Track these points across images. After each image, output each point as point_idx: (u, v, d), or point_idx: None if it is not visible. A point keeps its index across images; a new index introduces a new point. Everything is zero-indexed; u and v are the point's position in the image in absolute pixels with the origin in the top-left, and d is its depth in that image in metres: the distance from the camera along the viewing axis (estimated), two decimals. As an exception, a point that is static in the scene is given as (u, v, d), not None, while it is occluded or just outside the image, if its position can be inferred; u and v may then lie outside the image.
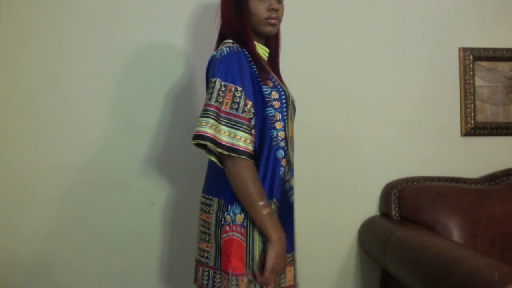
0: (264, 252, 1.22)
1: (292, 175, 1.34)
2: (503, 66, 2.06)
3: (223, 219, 1.23)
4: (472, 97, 2.03)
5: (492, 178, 1.98)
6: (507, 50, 2.05)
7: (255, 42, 1.31)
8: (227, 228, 1.22)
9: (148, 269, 1.85)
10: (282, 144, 1.28)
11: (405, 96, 2.00)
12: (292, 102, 1.35)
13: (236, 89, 1.20)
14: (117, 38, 1.84)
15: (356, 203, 1.97)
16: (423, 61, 2.02)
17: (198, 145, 1.21)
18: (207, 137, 1.17)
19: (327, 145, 1.95)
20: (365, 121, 1.97)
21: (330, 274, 1.96)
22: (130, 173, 1.83)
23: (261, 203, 1.18)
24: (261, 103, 1.26)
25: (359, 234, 1.96)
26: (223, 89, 1.19)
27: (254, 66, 1.27)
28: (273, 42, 1.42)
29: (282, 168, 1.28)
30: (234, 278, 1.20)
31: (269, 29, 1.31)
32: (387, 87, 1.99)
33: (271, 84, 1.28)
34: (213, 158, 1.23)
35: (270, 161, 1.26)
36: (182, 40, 1.87)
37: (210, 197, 1.30)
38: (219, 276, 1.24)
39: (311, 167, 1.86)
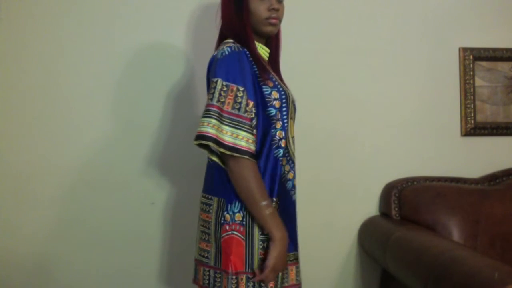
0: (264, 250, 1.22)
1: (294, 173, 1.33)
2: (503, 66, 2.06)
3: (222, 218, 1.23)
4: (472, 97, 2.03)
5: (492, 178, 1.98)
6: (507, 50, 2.05)
7: (256, 42, 1.31)
8: (227, 227, 1.23)
9: (148, 269, 1.85)
10: (282, 143, 1.28)
11: (405, 96, 2.00)
12: (293, 101, 1.35)
13: (238, 89, 1.20)
14: (117, 38, 1.84)
15: (356, 203, 1.97)
16: (423, 61, 2.02)
17: (201, 145, 1.21)
18: (210, 137, 1.17)
19: (327, 145, 1.95)
20: (365, 121, 1.97)
21: (330, 274, 1.96)
22: (130, 173, 1.84)
23: (264, 203, 1.19)
24: (261, 103, 1.26)
25: (359, 234, 1.96)
26: (224, 89, 1.19)
27: (254, 66, 1.27)
28: (273, 42, 1.42)
29: (281, 168, 1.28)
30: (233, 276, 1.20)
31: (269, 29, 1.31)
32: (387, 87, 1.99)
33: (271, 84, 1.28)
34: (215, 158, 1.23)
35: (270, 160, 1.26)
36: (182, 40, 1.87)
37: (210, 197, 1.30)
38: (219, 276, 1.24)
39: (311, 167, 1.86)
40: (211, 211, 1.28)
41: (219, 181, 1.27)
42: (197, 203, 1.38)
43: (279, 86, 1.30)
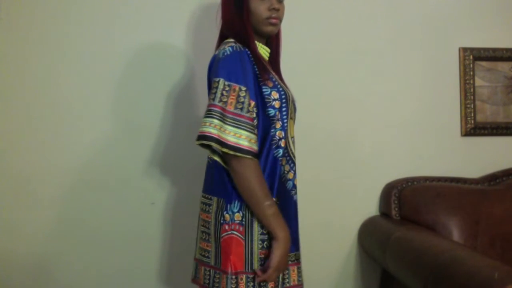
0: (263, 249, 1.22)
1: (295, 173, 1.33)
2: (503, 66, 2.06)
3: (222, 218, 1.23)
4: (472, 97, 2.03)
5: (492, 178, 1.98)
6: (507, 50, 2.05)
7: (256, 42, 1.31)
8: (226, 226, 1.23)
9: (148, 269, 1.85)
10: (282, 143, 1.28)
11: (405, 96, 2.00)
12: (293, 101, 1.35)
13: (240, 89, 1.20)
14: (117, 38, 1.84)
15: (356, 203, 1.97)
16: (423, 61, 2.02)
17: (203, 145, 1.20)
18: (212, 137, 1.16)
19: (327, 145, 1.95)
20: (365, 121, 1.97)
21: (330, 274, 1.96)
22: (130, 173, 1.84)
23: (267, 203, 1.19)
24: (261, 103, 1.26)
25: (359, 234, 1.96)
26: (227, 88, 1.19)
27: (255, 66, 1.27)
28: (273, 41, 1.42)
29: (281, 167, 1.28)
30: (233, 276, 1.20)
31: (270, 28, 1.31)
32: (387, 87, 1.99)
33: (271, 84, 1.28)
34: (217, 158, 1.23)
35: (269, 160, 1.26)
36: (182, 40, 1.87)
37: (209, 197, 1.30)
38: (218, 276, 1.24)
39: (311, 167, 1.86)
40: (210, 211, 1.28)
41: (219, 181, 1.27)
42: (197, 203, 1.38)
43: (279, 86, 1.30)
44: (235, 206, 1.23)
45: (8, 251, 1.78)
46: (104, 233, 1.82)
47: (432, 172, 1.98)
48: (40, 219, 1.80)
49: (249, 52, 1.26)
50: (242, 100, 1.19)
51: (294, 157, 1.34)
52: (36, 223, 1.80)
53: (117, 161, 1.83)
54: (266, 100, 1.26)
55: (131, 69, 1.84)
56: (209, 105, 1.20)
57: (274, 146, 1.27)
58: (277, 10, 1.29)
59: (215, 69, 1.24)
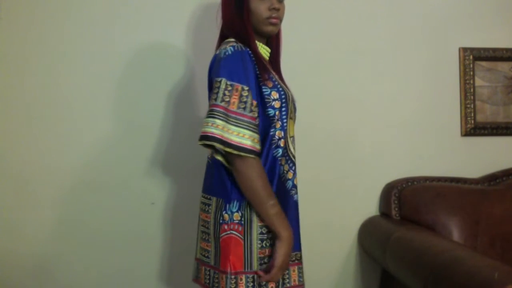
0: (262, 249, 1.22)
1: (294, 173, 1.33)
2: (503, 66, 2.06)
3: (221, 218, 1.23)
4: (472, 97, 2.03)
5: (492, 178, 1.98)
6: (507, 50, 2.05)
7: (257, 42, 1.31)
8: (225, 226, 1.23)
9: (148, 269, 1.85)
10: (281, 143, 1.28)
11: (405, 96, 2.00)
12: (293, 101, 1.35)
13: (242, 89, 1.19)
14: (117, 38, 1.84)
15: (356, 203, 1.97)
16: (423, 61, 2.02)
17: (205, 145, 1.20)
18: (214, 137, 1.16)
19: (327, 145, 1.95)
20: (365, 121, 1.97)
21: (330, 274, 1.96)
22: (130, 173, 1.84)
23: (270, 202, 1.19)
24: (261, 103, 1.26)
25: (359, 234, 1.96)
26: (229, 88, 1.19)
27: (256, 66, 1.27)
28: (274, 41, 1.42)
29: (281, 167, 1.28)
30: (232, 276, 1.20)
31: (270, 28, 1.31)
32: (387, 87, 1.99)
33: (270, 84, 1.28)
34: (220, 158, 1.22)
35: (268, 160, 1.26)
36: (182, 40, 1.87)
37: (209, 197, 1.30)
38: (217, 276, 1.24)
39: (311, 167, 1.86)
40: (210, 211, 1.28)
41: (218, 181, 1.27)
42: (197, 203, 1.38)
43: (279, 86, 1.30)
44: (234, 206, 1.23)
45: (8, 251, 1.78)
46: (104, 233, 1.82)
47: (432, 172, 1.98)
48: (40, 219, 1.80)
49: (250, 52, 1.26)
50: (245, 99, 1.19)
51: (294, 157, 1.34)
52: (36, 223, 1.80)
53: (117, 161, 1.83)
54: (266, 100, 1.26)
55: (131, 69, 1.84)
56: (211, 105, 1.20)
57: (273, 146, 1.27)
58: (277, 10, 1.29)
59: (216, 68, 1.24)
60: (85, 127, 1.82)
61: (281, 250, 1.19)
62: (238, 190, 1.23)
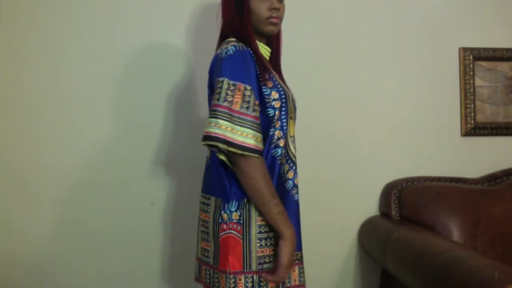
0: (261, 248, 1.22)
1: (295, 173, 1.33)
2: (503, 66, 2.06)
3: (220, 218, 1.23)
4: (472, 97, 2.03)
5: (492, 178, 1.98)
6: (507, 50, 2.05)
7: (257, 42, 1.31)
8: (224, 226, 1.23)
9: (148, 269, 1.85)
10: (280, 143, 1.28)
11: (405, 96, 2.00)
12: (293, 101, 1.35)
13: (245, 88, 1.19)
14: (117, 38, 1.84)
15: (356, 203, 1.97)
16: (423, 61, 2.02)
17: (209, 145, 1.20)
18: (217, 137, 1.16)
19: (327, 145, 1.95)
20: (365, 121, 1.97)
21: (330, 274, 1.96)
22: (130, 173, 1.84)
23: (273, 201, 1.19)
24: (261, 103, 1.26)
25: (359, 234, 1.96)
26: (231, 88, 1.19)
27: (257, 66, 1.27)
28: (274, 41, 1.42)
29: (280, 167, 1.28)
30: (231, 276, 1.20)
31: (270, 28, 1.31)
32: (387, 87, 1.99)
33: (270, 84, 1.27)
34: (222, 157, 1.22)
35: (267, 159, 1.26)
36: (182, 40, 1.87)
37: (208, 197, 1.30)
38: (217, 275, 1.24)
39: (311, 167, 1.86)
40: (209, 210, 1.28)
41: (217, 180, 1.27)
42: (197, 203, 1.38)
43: (279, 86, 1.29)
44: (233, 205, 1.23)
45: (8, 251, 1.78)
46: (104, 233, 1.82)
47: (432, 172, 1.98)
48: (40, 220, 1.80)
49: (251, 51, 1.26)
50: (248, 99, 1.19)
51: (294, 156, 1.34)
52: (36, 223, 1.80)
53: (117, 161, 1.83)
54: (266, 100, 1.26)
55: (131, 69, 1.84)
56: (214, 105, 1.19)
57: (272, 146, 1.27)
58: (278, 9, 1.29)
59: (218, 68, 1.23)
60: (85, 127, 1.82)
61: (286, 249, 1.20)
62: (236, 190, 1.24)
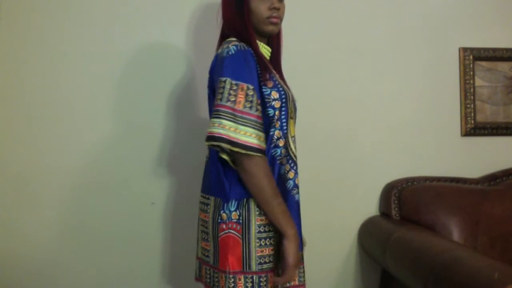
0: (261, 247, 1.22)
1: (296, 173, 1.33)
2: (503, 66, 2.06)
3: (219, 218, 1.23)
4: (472, 97, 2.03)
5: (492, 178, 1.98)
6: (507, 50, 2.05)
7: (257, 41, 1.31)
8: (224, 226, 1.23)
9: (148, 269, 1.85)
10: (280, 143, 1.28)
11: (405, 96, 2.00)
12: (293, 101, 1.35)
13: (248, 88, 1.19)
14: (117, 38, 1.83)
15: (356, 203, 1.97)
16: (423, 61, 2.02)
17: (212, 145, 1.20)
18: (221, 138, 1.16)
19: (327, 145, 1.95)
20: (365, 121, 1.97)
21: (330, 274, 1.96)
22: (130, 173, 1.83)
23: (276, 201, 1.20)
24: (262, 103, 1.26)
25: (359, 234, 1.96)
26: (234, 87, 1.19)
27: (258, 65, 1.27)
28: (274, 41, 1.42)
29: (281, 167, 1.28)
30: (231, 276, 1.20)
31: (270, 28, 1.31)
32: (387, 87, 1.99)
33: (270, 84, 1.27)
34: (225, 157, 1.22)
35: (268, 159, 1.25)
36: (182, 40, 1.87)
37: (207, 196, 1.30)
38: (217, 275, 1.24)
39: (311, 167, 1.86)
40: (208, 210, 1.28)
41: (216, 180, 1.27)
42: (196, 203, 1.38)
43: (279, 86, 1.29)
44: (232, 205, 1.23)
45: (8, 251, 1.78)
46: (104, 233, 1.82)
47: (432, 172, 1.98)
48: (40, 220, 1.80)
49: (252, 51, 1.26)
50: (251, 98, 1.19)
51: (295, 156, 1.34)
52: (36, 223, 1.80)
53: (117, 161, 1.83)
54: (266, 100, 1.26)
55: (131, 69, 1.84)
56: (216, 105, 1.19)
57: (272, 146, 1.27)
58: (278, 9, 1.29)
59: (219, 68, 1.23)
60: (85, 127, 1.82)
61: (290, 249, 1.20)
62: (236, 190, 1.24)
